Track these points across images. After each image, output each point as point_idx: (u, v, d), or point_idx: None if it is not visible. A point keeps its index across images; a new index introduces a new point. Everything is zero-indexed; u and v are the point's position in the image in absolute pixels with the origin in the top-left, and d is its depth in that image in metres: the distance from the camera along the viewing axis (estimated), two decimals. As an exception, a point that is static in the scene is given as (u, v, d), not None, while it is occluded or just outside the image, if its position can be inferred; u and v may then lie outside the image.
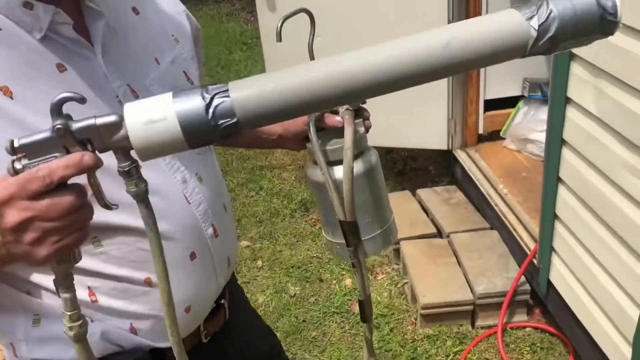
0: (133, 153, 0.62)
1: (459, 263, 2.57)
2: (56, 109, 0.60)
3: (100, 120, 0.60)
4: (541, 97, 2.96)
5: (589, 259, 1.87)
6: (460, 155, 3.10)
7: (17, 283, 0.87)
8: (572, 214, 1.93)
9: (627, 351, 1.70)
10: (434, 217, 2.91)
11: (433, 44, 0.60)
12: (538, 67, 3.04)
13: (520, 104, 3.07)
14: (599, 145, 1.72)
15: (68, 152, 0.61)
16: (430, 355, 2.34)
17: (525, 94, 3.06)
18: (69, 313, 0.66)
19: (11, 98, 0.77)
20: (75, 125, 0.60)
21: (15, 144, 0.60)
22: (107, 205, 0.67)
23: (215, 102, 0.59)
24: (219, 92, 0.59)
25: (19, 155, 0.61)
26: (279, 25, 0.92)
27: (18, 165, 0.61)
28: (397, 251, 2.79)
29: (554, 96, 1.92)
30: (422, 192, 3.12)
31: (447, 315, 2.42)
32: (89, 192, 0.65)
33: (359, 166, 0.90)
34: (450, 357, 2.33)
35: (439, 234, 2.84)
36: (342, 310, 2.62)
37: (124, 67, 0.88)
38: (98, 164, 0.62)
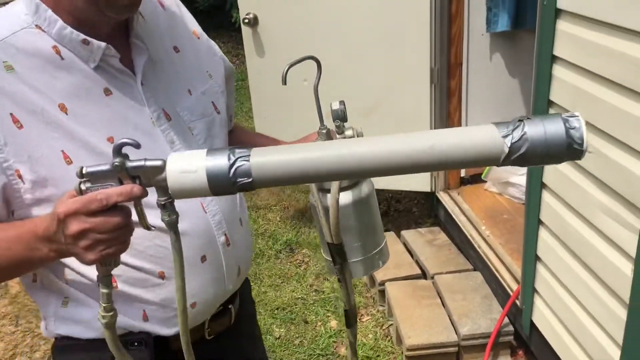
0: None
1: (444, 304, 2.59)
2: (116, 150, 0.75)
3: (148, 163, 0.76)
4: (521, 141, 3.05)
5: (570, 300, 1.91)
6: (444, 198, 3.15)
7: (57, 271, 1.03)
8: (553, 256, 1.98)
9: (610, 392, 1.72)
10: (418, 258, 2.95)
11: (421, 144, 0.71)
12: (518, 112, 3.15)
13: (501, 148, 3.16)
14: (577, 188, 1.79)
15: (121, 182, 0.77)
16: (416, 398, 2.34)
17: (506, 139, 3.14)
18: (104, 305, 0.82)
19: (66, 114, 0.95)
20: (129, 164, 0.75)
21: (83, 171, 0.76)
22: (147, 227, 0.82)
23: (238, 163, 0.73)
24: (242, 156, 0.74)
25: (85, 179, 0.77)
26: (285, 71, 1.01)
27: (83, 187, 0.78)
28: (382, 292, 2.81)
29: (533, 141, 1.99)
30: (407, 234, 3.16)
31: (432, 357, 2.43)
32: (134, 213, 0.81)
33: (348, 196, 0.98)
34: (436, 399, 2.32)
35: (424, 275, 2.87)
36: (327, 353, 2.61)
37: (160, 94, 1.05)
38: (144, 194, 0.77)
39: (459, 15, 2.89)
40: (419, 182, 3.21)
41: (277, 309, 2.91)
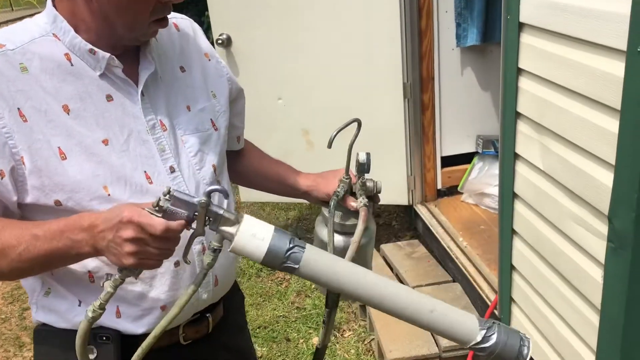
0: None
1: (424, 317, 2.61)
2: (207, 193, 0.90)
3: (225, 214, 0.91)
4: (494, 153, 3.10)
5: (545, 308, 1.94)
6: (421, 210, 3.18)
7: None
8: (528, 265, 2.01)
9: (587, 397, 1.74)
10: (398, 271, 2.96)
11: (426, 307, 0.93)
12: (490, 124, 3.20)
13: (475, 160, 3.21)
14: (548, 198, 1.82)
15: (192, 214, 0.91)
16: (399, 412, 2.34)
17: (480, 150, 3.20)
18: (101, 302, 0.94)
19: (68, 114, 1.04)
20: (210, 208, 0.91)
21: (171, 192, 0.90)
22: (185, 260, 0.98)
23: (294, 250, 0.89)
24: (299, 246, 0.90)
25: (167, 199, 0.90)
26: (333, 135, 1.10)
27: (162, 203, 0.90)
28: (364, 307, 2.82)
29: (503, 152, 2.03)
30: (386, 247, 3.18)
31: (414, 370, 2.44)
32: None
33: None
34: (419, 412, 2.33)
35: (404, 288, 2.88)
36: (310, 370, 2.60)
37: (159, 106, 1.14)
38: (202, 234, 0.94)
39: (428, 30, 2.95)
40: (397, 196, 3.23)
41: (258, 327, 2.90)
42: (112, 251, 0.93)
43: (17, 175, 1.02)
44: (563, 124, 1.69)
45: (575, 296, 1.75)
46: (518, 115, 1.92)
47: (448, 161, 3.26)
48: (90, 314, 0.94)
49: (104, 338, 1.13)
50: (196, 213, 0.91)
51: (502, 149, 2.04)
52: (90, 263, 1.08)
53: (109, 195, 1.05)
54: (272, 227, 0.90)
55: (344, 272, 0.92)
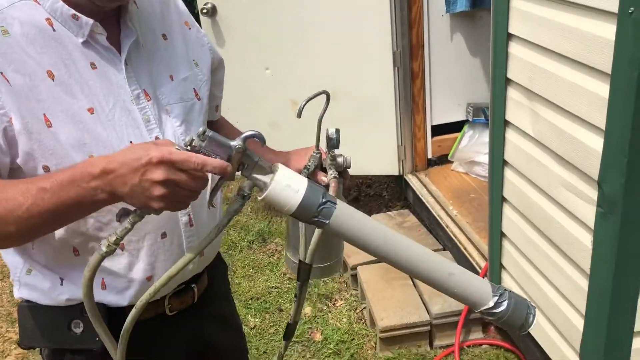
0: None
1: (415, 285, 2.63)
2: (244, 138, 0.87)
3: (260, 162, 0.89)
4: (484, 121, 3.09)
5: (535, 274, 1.95)
6: (412, 180, 3.18)
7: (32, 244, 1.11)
8: (518, 232, 2.01)
9: (576, 361, 1.77)
10: (388, 241, 2.97)
11: (444, 269, 0.94)
12: (481, 92, 3.18)
13: (466, 128, 3.19)
14: (538, 164, 1.82)
15: (227, 160, 0.87)
16: (391, 378, 2.37)
17: (470, 119, 3.18)
18: (116, 237, 0.90)
19: (52, 80, 1.01)
20: (247, 153, 0.88)
21: (206, 133, 0.86)
22: (211, 204, 0.96)
23: (326, 205, 0.88)
24: (331, 201, 0.89)
25: (202, 138, 0.86)
26: (302, 105, 1.08)
27: (195, 143, 0.86)
28: (355, 277, 2.83)
29: (493, 120, 2.02)
30: (377, 218, 3.18)
31: (405, 337, 2.46)
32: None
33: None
34: (411, 378, 2.36)
35: (395, 257, 2.89)
36: (302, 339, 2.62)
37: (142, 76, 1.11)
38: (231, 179, 0.89)
39: (418, -4, 2.91)
40: (387, 166, 3.23)
41: (251, 299, 2.91)
42: (136, 196, 0.87)
43: (8, 137, 0.99)
44: (553, 90, 1.68)
45: (565, 262, 1.76)
46: (508, 81, 1.90)
47: (438, 130, 3.25)
48: (104, 249, 0.90)
49: None
50: (229, 157, 0.87)
51: (492, 116, 2.03)
52: (75, 238, 1.07)
53: None
54: (306, 180, 0.89)
55: (372, 230, 0.92)
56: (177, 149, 0.87)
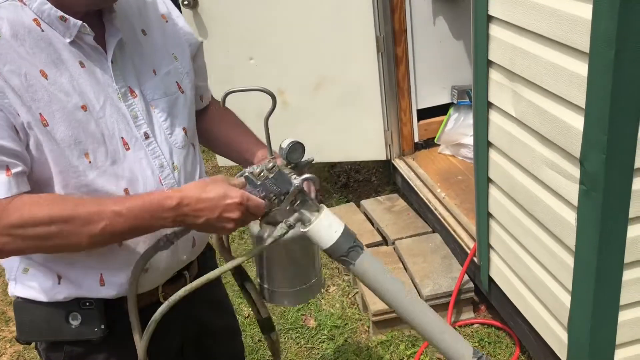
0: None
1: (405, 268, 2.65)
2: (303, 179, 1.06)
3: (310, 201, 1.08)
4: (469, 103, 3.10)
5: (522, 252, 1.98)
6: (399, 164, 3.20)
7: None
8: (504, 212, 2.04)
9: (564, 337, 1.80)
10: (378, 225, 2.99)
11: (440, 328, 1.12)
12: (465, 74, 3.19)
13: (451, 111, 3.21)
14: (521, 144, 1.84)
15: (286, 193, 1.06)
16: (385, 361, 2.40)
17: (455, 101, 3.20)
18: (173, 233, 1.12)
19: (46, 79, 1.03)
20: (303, 191, 1.07)
21: (274, 167, 1.06)
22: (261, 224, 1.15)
23: (356, 249, 1.05)
24: (359, 247, 1.07)
25: (271, 171, 1.06)
26: (225, 93, 1.12)
27: (264, 176, 1.06)
28: (346, 262, 2.85)
29: (477, 101, 2.03)
30: (366, 203, 3.21)
31: (398, 320, 2.49)
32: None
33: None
34: (404, 360, 2.39)
35: (385, 241, 2.92)
36: (297, 326, 2.65)
37: (128, 73, 1.14)
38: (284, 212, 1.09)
39: (399, -19, 2.90)
40: (375, 151, 3.24)
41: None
42: (208, 226, 1.05)
43: (22, 135, 1.01)
44: (534, 70, 1.69)
45: (551, 239, 1.79)
46: (490, 63, 1.92)
47: (424, 114, 3.26)
48: (161, 244, 1.12)
49: (87, 304, 1.16)
50: (287, 192, 1.05)
51: (475, 99, 2.04)
52: None
53: (89, 162, 1.06)
54: (343, 224, 1.06)
55: (385, 282, 1.09)
56: (245, 175, 1.06)
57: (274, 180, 1.05)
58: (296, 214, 1.06)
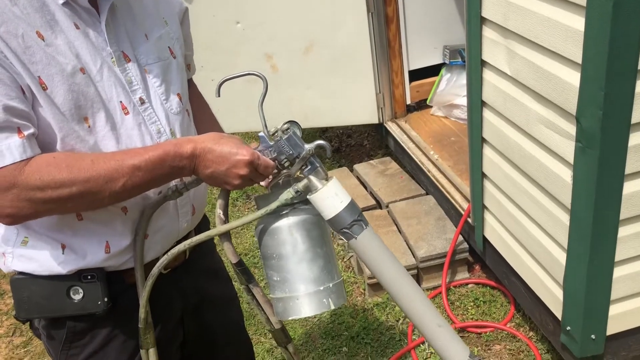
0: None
1: (400, 230, 2.65)
2: (317, 145, 1.06)
3: (320, 167, 1.07)
4: (462, 62, 3.06)
5: (516, 211, 1.98)
6: (392, 127, 3.17)
7: None
8: (498, 172, 2.03)
9: (559, 294, 1.81)
10: (372, 189, 2.98)
11: (435, 320, 1.06)
12: (456, 33, 3.14)
13: (443, 71, 3.17)
14: (516, 103, 1.81)
15: (297, 157, 1.06)
16: (382, 322, 2.42)
17: (447, 61, 3.15)
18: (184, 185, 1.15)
19: (43, 40, 1.00)
20: (313, 157, 1.07)
21: (289, 129, 1.07)
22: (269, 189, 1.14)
23: (359, 223, 1.03)
24: (363, 222, 1.03)
25: (285, 132, 1.07)
26: (220, 82, 1.10)
27: (278, 137, 1.07)
28: (340, 227, 2.85)
29: (470, 60, 2.00)
30: (359, 167, 3.19)
31: (393, 283, 2.50)
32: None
33: (284, 221, 1.09)
34: (400, 321, 2.41)
35: (379, 205, 2.91)
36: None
37: (120, 37, 1.12)
38: (292, 176, 1.10)
39: (388, -62, 2.82)
40: (367, 115, 3.20)
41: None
42: (215, 178, 1.06)
43: (27, 94, 0.99)
44: (528, 26, 1.66)
45: (546, 198, 1.78)
46: (483, 20, 1.87)
47: (416, 75, 3.22)
48: (170, 192, 1.15)
49: (89, 277, 1.14)
50: (298, 155, 1.05)
51: (468, 57, 2.01)
52: None
53: (89, 127, 1.05)
54: (350, 197, 1.03)
55: (385, 261, 1.05)
56: (260, 135, 1.07)
57: (287, 141, 1.05)
58: (305, 181, 1.05)
